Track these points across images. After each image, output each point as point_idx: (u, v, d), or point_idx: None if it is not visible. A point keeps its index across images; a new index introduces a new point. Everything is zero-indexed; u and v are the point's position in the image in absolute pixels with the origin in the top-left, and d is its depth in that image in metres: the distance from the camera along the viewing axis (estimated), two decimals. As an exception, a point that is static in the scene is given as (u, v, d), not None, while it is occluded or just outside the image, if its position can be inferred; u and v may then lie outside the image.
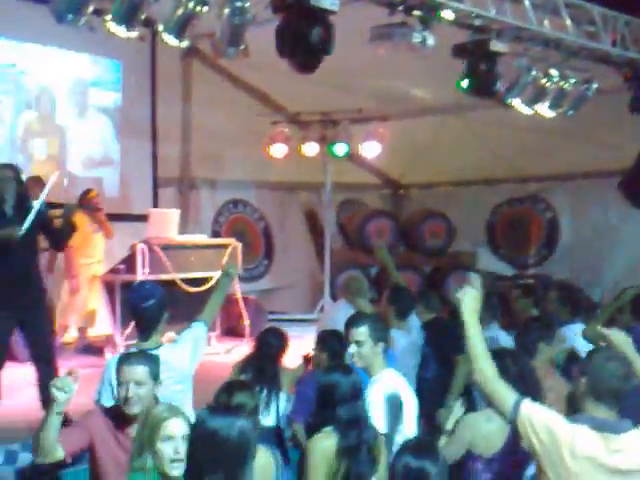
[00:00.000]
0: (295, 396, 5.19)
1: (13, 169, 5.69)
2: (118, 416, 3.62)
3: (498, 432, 3.77)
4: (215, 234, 10.79)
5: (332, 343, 5.10)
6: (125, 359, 3.66)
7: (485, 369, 3.00)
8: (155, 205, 10.15)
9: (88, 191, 8.30)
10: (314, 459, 3.55)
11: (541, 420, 2.92)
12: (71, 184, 9.23)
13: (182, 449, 3.07)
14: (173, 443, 3.10)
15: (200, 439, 2.73)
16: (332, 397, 3.66)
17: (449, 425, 4.03)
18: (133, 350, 4.14)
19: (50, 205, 5.81)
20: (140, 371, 3.54)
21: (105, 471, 3.60)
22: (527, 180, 12.01)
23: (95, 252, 8.36)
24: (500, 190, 12.35)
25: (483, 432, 3.81)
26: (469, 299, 3.11)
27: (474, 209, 12.39)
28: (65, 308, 8.23)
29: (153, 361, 3.65)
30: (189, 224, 10.48)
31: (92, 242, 8.22)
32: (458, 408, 4.05)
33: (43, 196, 5.61)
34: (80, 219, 7.27)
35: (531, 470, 3.54)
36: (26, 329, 5.63)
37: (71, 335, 8.43)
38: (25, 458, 4.98)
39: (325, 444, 3.59)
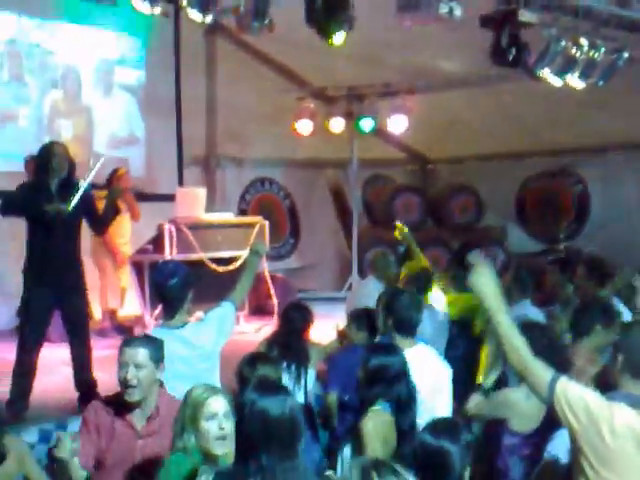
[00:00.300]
0: (329, 369, 5.17)
1: (65, 147, 5.69)
2: (118, 403, 3.61)
3: (538, 409, 3.72)
4: (241, 213, 10.77)
5: (367, 321, 5.10)
6: (127, 342, 3.65)
7: (518, 349, 2.91)
8: (181, 184, 10.12)
9: (117, 170, 8.29)
10: (370, 437, 3.54)
11: (578, 398, 2.86)
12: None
13: (225, 425, 3.12)
14: (217, 421, 3.14)
15: (252, 419, 2.73)
16: (382, 377, 3.67)
17: (488, 383, 4.02)
18: (159, 329, 4.12)
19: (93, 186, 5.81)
20: (140, 354, 3.52)
21: (103, 458, 3.62)
22: (557, 153, 11.82)
23: (125, 232, 8.36)
24: (530, 164, 12.16)
25: (522, 410, 3.77)
26: (483, 282, 2.95)
27: (503, 183, 12.23)
28: (103, 292, 8.27)
29: (155, 344, 3.62)
30: (215, 203, 10.45)
31: (123, 222, 8.23)
32: (498, 368, 4.03)
33: (89, 179, 5.60)
34: None
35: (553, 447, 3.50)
36: (64, 310, 5.64)
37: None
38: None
39: (379, 421, 3.59)
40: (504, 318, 2.95)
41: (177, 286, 4.24)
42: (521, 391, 3.79)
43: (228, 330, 4.41)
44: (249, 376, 3.82)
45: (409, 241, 7.03)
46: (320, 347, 5.45)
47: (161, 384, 3.67)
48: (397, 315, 4.26)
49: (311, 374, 5.14)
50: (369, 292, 6.34)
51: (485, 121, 11.06)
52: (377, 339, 5.08)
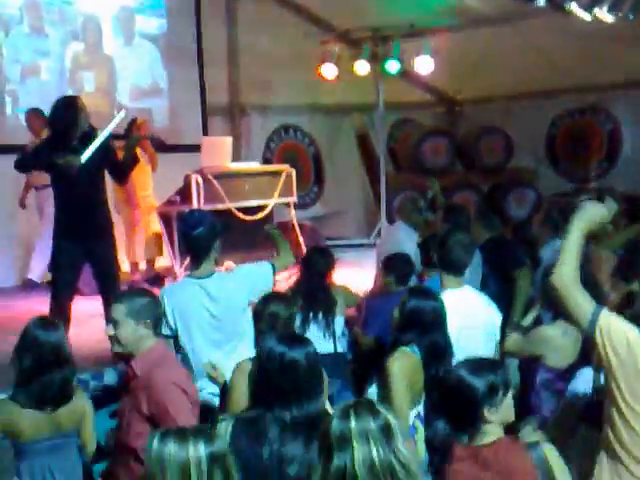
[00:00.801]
0: (366, 314, 5.15)
1: (81, 100, 5.65)
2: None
3: (573, 345, 3.77)
4: (266, 162, 10.67)
5: (399, 266, 5.07)
6: (115, 297, 3.64)
7: (567, 274, 2.86)
8: (205, 134, 10.05)
9: (135, 119, 8.21)
10: (394, 377, 3.53)
11: (619, 332, 2.81)
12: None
13: None
14: None
15: (270, 367, 2.78)
16: (417, 321, 3.63)
17: (527, 321, 4.07)
18: (185, 279, 4.10)
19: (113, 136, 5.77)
20: (118, 310, 3.46)
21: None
22: (587, 90, 11.54)
23: (149, 183, 8.34)
24: (559, 102, 11.91)
25: (558, 346, 3.82)
26: (591, 211, 2.92)
27: (532, 123, 11.99)
28: (130, 245, 8.28)
29: (136, 300, 3.49)
30: (241, 152, 10.38)
31: (146, 173, 8.20)
32: (537, 309, 4.06)
33: (109, 129, 5.57)
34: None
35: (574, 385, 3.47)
36: (93, 260, 5.65)
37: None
38: (95, 387, 5.06)
39: (406, 362, 3.57)
40: (575, 241, 2.89)
41: (203, 235, 4.23)
42: (557, 327, 3.84)
43: (260, 287, 4.34)
44: (262, 311, 3.78)
45: (436, 191, 7.09)
46: (347, 292, 5.41)
47: (159, 335, 3.63)
48: (448, 254, 4.21)
49: (339, 321, 5.11)
50: (399, 238, 6.32)
51: (512, 59, 10.81)
52: (411, 284, 5.08)
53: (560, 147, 12.13)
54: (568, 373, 3.75)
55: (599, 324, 2.80)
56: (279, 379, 2.75)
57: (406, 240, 6.12)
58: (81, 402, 3.70)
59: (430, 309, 3.67)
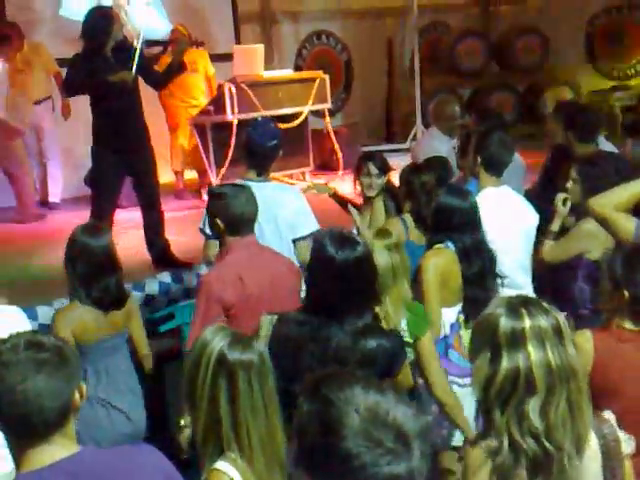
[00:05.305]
0: None
1: (114, 10, 5.65)
2: None
3: (608, 237, 3.72)
4: (298, 69, 10.52)
5: (435, 168, 5.03)
6: None
7: (608, 202, 3.09)
8: (237, 43, 9.92)
9: (176, 27, 8.17)
10: (427, 275, 3.55)
11: None
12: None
13: None
14: None
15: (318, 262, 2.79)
16: (448, 220, 3.61)
17: (554, 227, 4.08)
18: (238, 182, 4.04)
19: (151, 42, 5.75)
20: None
21: None
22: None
23: (194, 93, 8.24)
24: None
25: (601, 238, 3.78)
26: None
27: (569, 21, 11.66)
28: (174, 152, 8.30)
29: None
30: (273, 61, 10.25)
31: (189, 82, 8.09)
32: (561, 209, 4.04)
33: (140, 40, 5.54)
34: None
35: None
36: (133, 172, 5.70)
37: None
38: (139, 297, 5.15)
39: (438, 259, 3.59)
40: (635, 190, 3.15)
41: (277, 147, 4.24)
42: (593, 222, 3.82)
43: (295, 228, 4.24)
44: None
45: None
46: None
47: None
48: (487, 153, 4.18)
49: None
50: (433, 145, 6.18)
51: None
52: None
53: (598, 45, 11.81)
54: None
55: None
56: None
57: (439, 147, 6.03)
58: (130, 301, 3.84)
59: (459, 209, 3.62)
